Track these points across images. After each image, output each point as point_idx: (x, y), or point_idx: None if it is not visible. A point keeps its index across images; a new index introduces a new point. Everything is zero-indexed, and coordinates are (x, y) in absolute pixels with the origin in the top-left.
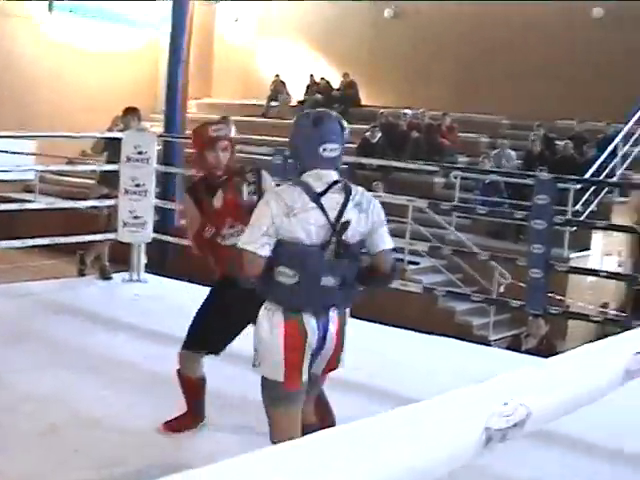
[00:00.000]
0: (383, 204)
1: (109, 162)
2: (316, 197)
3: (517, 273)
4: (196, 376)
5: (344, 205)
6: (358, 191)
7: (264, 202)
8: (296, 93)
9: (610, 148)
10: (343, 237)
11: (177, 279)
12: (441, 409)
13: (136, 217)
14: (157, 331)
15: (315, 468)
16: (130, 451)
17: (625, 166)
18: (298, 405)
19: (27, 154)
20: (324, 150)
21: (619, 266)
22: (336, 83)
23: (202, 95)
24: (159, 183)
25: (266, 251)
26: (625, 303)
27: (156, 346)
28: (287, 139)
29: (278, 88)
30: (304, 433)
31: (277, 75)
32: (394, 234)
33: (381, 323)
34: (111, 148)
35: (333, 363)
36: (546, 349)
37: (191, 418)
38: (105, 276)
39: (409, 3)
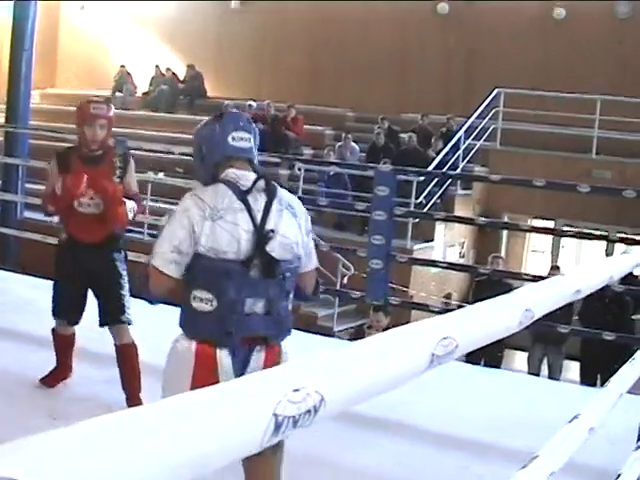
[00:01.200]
0: None
1: None
2: (242, 194)
3: (361, 265)
4: (68, 333)
5: (268, 207)
6: (286, 192)
7: (182, 209)
8: (142, 84)
9: (453, 141)
10: (268, 249)
11: (20, 273)
12: (228, 395)
13: None
14: (3, 327)
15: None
16: None
17: (467, 159)
18: None
19: None
20: (233, 139)
21: (461, 257)
22: (183, 74)
23: (46, 85)
24: (1, 175)
25: (172, 271)
26: (467, 293)
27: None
28: (139, 131)
29: (123, 79)
30: None
31: (122, 66)
32: None
33: None
34: None
35: None
36: None
37: (62, 371)
38: None
39: None
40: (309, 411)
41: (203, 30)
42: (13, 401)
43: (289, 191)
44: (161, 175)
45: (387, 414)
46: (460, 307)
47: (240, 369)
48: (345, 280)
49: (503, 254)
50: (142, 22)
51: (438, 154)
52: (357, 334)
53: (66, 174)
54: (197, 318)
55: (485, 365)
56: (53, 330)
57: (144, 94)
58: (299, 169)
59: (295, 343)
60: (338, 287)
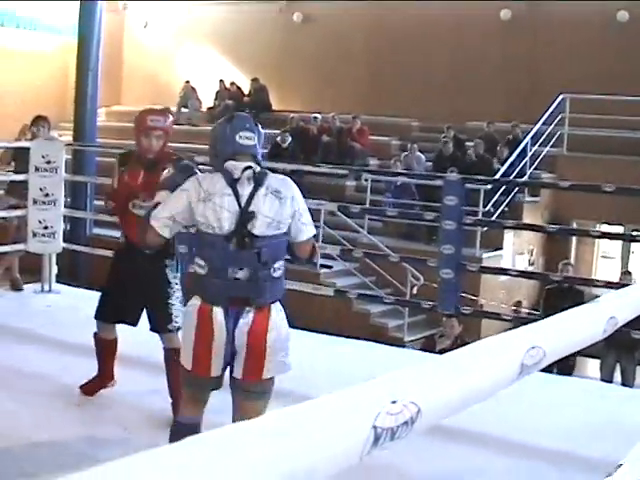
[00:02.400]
0: None
1: (17, 172)
2: (232, 182)
3: (430, 274)
4: (109, 338)
5: (252, 194)
6: (277, 179)
7: (184, 187)
8: (207, 99)
9: (520, 148)
10: (249, 227)
11: (89, 289)
12: (327, 408)
13: (46, 227)
14: (69, 342)
15: (196, 470)
16: (42, 465)
17: (535, 166)
18: (203, 391)
19: None
20: (240, 137)
21: (531, 264)
22: (247, 88)
23: (112, 102)
24: (69, 192)
25: (166, 232)
26: (537, 301)
27: (68, 357)
28: (206, 146)
29: (188, 94)
30: None
31: (187, 81)
32: None
33: (296, 328)
34: (20, 157)
35: (252, 371)
36: (460, 349)
37: (103, 379)
38: (16, 288)
39: (317, 7)
40: (406, 423)
41: (266, 44)
42: (82, 414)
43: (298, 184)
44: None
45: (464, 424)
46: (531, 315)
47: (233, 325)
48: (415, 290)
49: (572, 260)
50: (205, 37)
51: (504, 162)
52: (428, 344)
53: (121, 177)
54: (196, 280)
55: (558, 373)
56: (95, 334)
57: (209, 109)
58: (366, 180)
59: (368, 355)
60: (408, 297)
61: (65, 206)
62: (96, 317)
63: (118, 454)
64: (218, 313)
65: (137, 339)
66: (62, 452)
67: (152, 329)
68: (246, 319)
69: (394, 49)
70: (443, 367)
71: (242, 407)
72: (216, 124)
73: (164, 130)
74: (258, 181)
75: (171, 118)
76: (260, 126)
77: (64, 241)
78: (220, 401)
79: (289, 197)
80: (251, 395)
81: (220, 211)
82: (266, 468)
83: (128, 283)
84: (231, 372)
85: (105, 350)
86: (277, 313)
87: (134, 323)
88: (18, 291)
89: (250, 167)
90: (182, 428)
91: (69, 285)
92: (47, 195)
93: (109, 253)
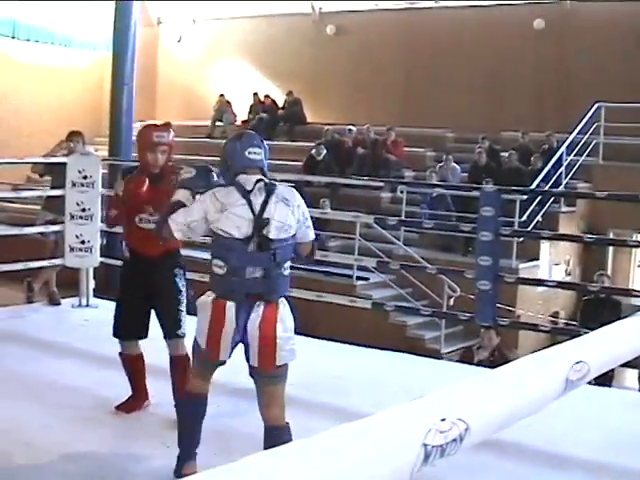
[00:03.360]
0: (330, 221)
1: (54, 187)
2: (245, 193)
3: (467, 285)
4: (134, 354)
5: (265, 202)
6: (285, 189)
7: (202, 200)
8: (241, 112)
9: (555, 158)
10: (264, 232)
11: None
12: (378, 427)
13: (83, 242)
14: (107, 356)
15: None
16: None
17: (570, 176)
18: (209, 371)
19: None
20: (249, 153)
21: (567, 275)
22: (280, 101)
23: (146, 117)
24: (105, 207)
25: (178, 235)
26: (574, 312)
27: (106, 371)
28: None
29: (222, 108)
30: (268, 436)
31: (221, 95)
32: (342, 251)
33: (333, 340)
34: (56, 172)
35: (267, 360)
36: (498, 360)
37: (137, 399)
38: (54, 302)
39: (350, 19)
40: (455, 440)
41: (299, 56)
42: (118, 428)
43: (301, 193)
44: None
45: (503, 436)
46: (568, 326)
47: (244, 318)
48: (451, 302)
49: (609, 270)
50: (239, 50)
51: (539, 172)
52: (466, 356)
53: (129, 193)
54: (215, 279)
55: (596, 384)
56: (120, 354)
57: (244, 122)
58: (401, 192)
59: (406, 367)
60: (445, 309)
61: (102, 221)
62: (117, 336)
63: (158, 467)
64: (231, 307)
65: (160, 348)
66: (102, 466)
67: (163, 336)
68: (257, 312)
69: (427, 60)
70: (489, 384)
71: (265, 391)
72: (227, 141)
73: (168, 145)
74: (269, 191)
75: (173, 133)
76: (265, 142)
77: (101, 255)
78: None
79: (296, 205)
80: (271, 380)
81: (237, 219)
82: None
83: (140, 296)
84: (248, 361)
85: (133, 367)
86: (284, 306)
87: (146, 335)
88: (56, 305)
89: (261, 180)
90: (193, 398)
91: (106, 299)
92: (84, 210)
93: None
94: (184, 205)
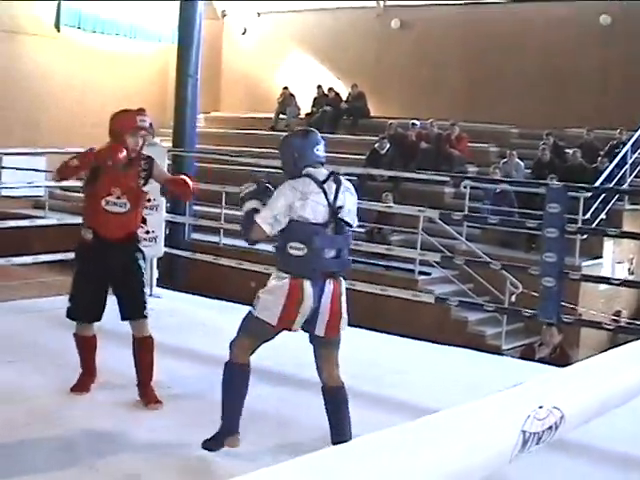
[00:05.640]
0: (393, 215)
1: None
2: (321, 184)
3: (528, 282)
4: (89, 335)
5: (337, 191)
6: (346, 181)
7: (281, 193)
8: (304, 105)
9: (620, 156)
10: (340, 216)
11: (188, 293)
12: (478, 414)
13: (148, 232)
14: (171, 345)
15: (353, 475)
16: (145, 466)
17: (635, 173)
18: (264, 341)
19: (37, 170)
20: (317, 150)
21: (631, 273)
22: (344, 95)
23: (210, 109)
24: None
25: (267, 229)
26: (637, 310)
27: (170, 360)
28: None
29: (287, 101)
30: (331, 395)
31: (285, 87)
32: (405, 245)
33: (394, 334)
34: None
35: (333, 328)
36: (559, 358)
37: (88, 376)
38: None
39: (414, 13)
40: (550, 427)
41: (363, 50)
42: (181, 415)
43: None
44: None
45: (566, 435)
46: (631, 324)
47: (319, 294)
48: (513, 298)
49: None
50: (303, 44)
51: (604, 169)
52: (527, 352)
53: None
54: (292, 260)
55: None
56: (75, 335)
57: (307, 115)
58: (464, 187)
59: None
60: (506, 305)
61: (167, 211)
62: (73, 318)
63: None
64: (308, 285)
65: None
66: (164, 456)
67: (125, 318)
68: (329, 287)
69: (492, 54)
70: (584, 373)
71: (327, 356)
72: (290, 139)
73: (147, 130)
74: (338, 182)
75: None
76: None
77: (164, 246)
78: None
79: (354, 194)
80: (333, 346)
81: (316, 206)
82: (426, 470)
83: (101, 278)
84: (313, 331)
85: (87, 347)
86: (342, 282)
87: (100, 318)
88: None
89: (333, 172)
90: (240, 367)
91: (169, 289)
92: (149, 200)
93: (208, 257)
94: (258, 211)
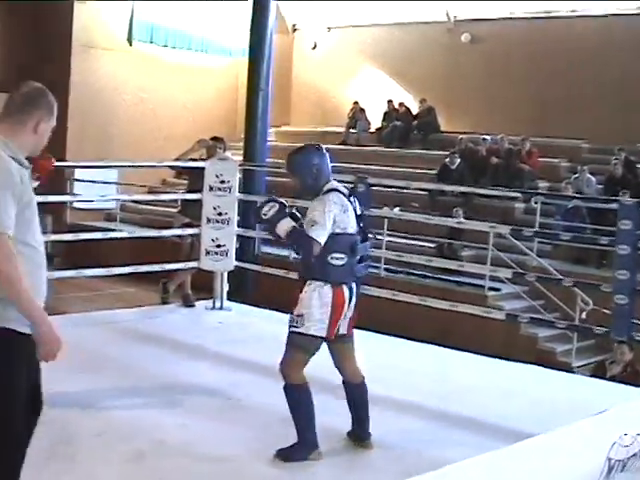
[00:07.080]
0: (464, 231)
1: (190, 191)
2: (349, 197)
3: (600, 299)
4: None
5: (354, 202)
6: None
7: (326, 208)
8: (374, 120)
9: None
10: (362, 225)
11: (258, 307)
12: (565, 440)
13: (219, 245)
14: (241, 358)
15: None
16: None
17: None
18: (314, 353)
19: (108, 183)
20: (330, 164)
21: None
22: (414, 109)
23: (281, 123)
24: (240, 212)
25: (322, 241)
26: None
27: (240, 373)
28: (374, 167)
29: (357, 115)
30: (358, 390)
31: (356, 102)
32: (474, 260)
33: (465, 351)
34: (193, 175)
35: (352, 326)
36: (630, 376)
37: None
38: (188, 304)
39: (485, 27)
40: (635, 454)
41: (433, 64)
42: (250, 430)
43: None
44: (397, 210)
45: None
46: None
47: (352, 297)
48: (584, 315)
49: None
50: (373, 58)
51: None
52: (599, 370)
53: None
54: (332, 270)
55: None
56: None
57: (377, 130)
58: (535, 202)
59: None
60: (577, 322)
61: (238, 225)
62: None
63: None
64: (346, 290)
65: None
66: (235, 470)
67: None
68: (355, 289)
69: (563, 69)
70: None
71: (349, 353)
72: (308, 156)
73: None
74: (352, 194)
75: None
76: None
77: (235, 259)
78: None
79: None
80: (352, 343)
81: (351, 217)
82: None
83: None
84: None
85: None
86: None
87: None
88: (190, 307)
89: (344, 184)
90: (301, 388)
91: (239, 302)
92: (220, 214)
93: (278, 272)
94: (296, 228)
